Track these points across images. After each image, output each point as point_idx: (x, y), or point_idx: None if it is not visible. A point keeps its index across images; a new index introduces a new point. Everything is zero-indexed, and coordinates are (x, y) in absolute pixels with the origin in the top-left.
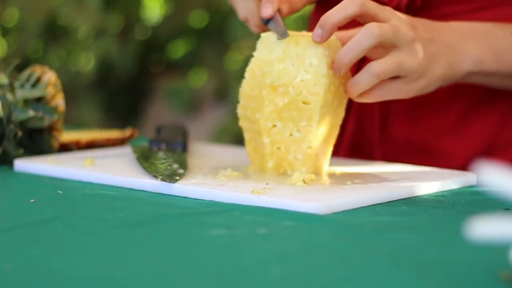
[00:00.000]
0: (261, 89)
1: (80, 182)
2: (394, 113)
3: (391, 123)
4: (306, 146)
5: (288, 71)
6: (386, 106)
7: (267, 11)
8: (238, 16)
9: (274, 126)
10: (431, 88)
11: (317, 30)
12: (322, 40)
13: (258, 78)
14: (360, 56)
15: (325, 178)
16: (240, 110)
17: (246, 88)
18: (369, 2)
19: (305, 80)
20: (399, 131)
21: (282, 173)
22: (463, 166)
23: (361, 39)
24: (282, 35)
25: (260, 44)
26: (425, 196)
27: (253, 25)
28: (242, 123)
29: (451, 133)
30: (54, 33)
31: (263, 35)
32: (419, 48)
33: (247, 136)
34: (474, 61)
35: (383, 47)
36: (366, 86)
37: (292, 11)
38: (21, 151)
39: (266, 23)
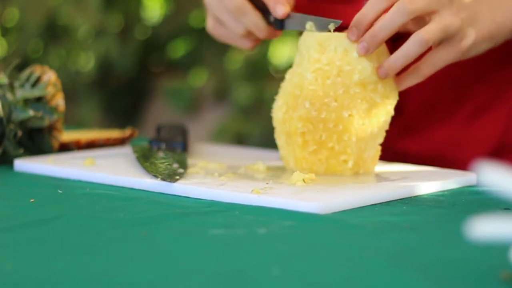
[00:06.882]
0: (347, 87)
1: (80, 182)
2: (399, 130)
3: (398, 140)
4: (378, 142)
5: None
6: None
7: (280, 9)
8: (235, 35)
9: (363, 124)
10: (479, 48)
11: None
12: (358, 38)
13: (334, 77)
14: (391, 34)
15: (325, 178)
16: (303, 112)
17: (316, 90)
18: None
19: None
20: (404, 146)
21: (356, 173)
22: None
23: (394, 17)
24: (322, 26)
25: (318, 45)
26: (425, 196)
27: (260, 36)
28: (296, 127)
29: (456, 141)
30: (54, 32)
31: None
32: (458, 8)
33: (301, 140)
34: None
35: (420, 18)
36: (414, 56)
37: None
38: (21, 151)
39: (280, 27)
